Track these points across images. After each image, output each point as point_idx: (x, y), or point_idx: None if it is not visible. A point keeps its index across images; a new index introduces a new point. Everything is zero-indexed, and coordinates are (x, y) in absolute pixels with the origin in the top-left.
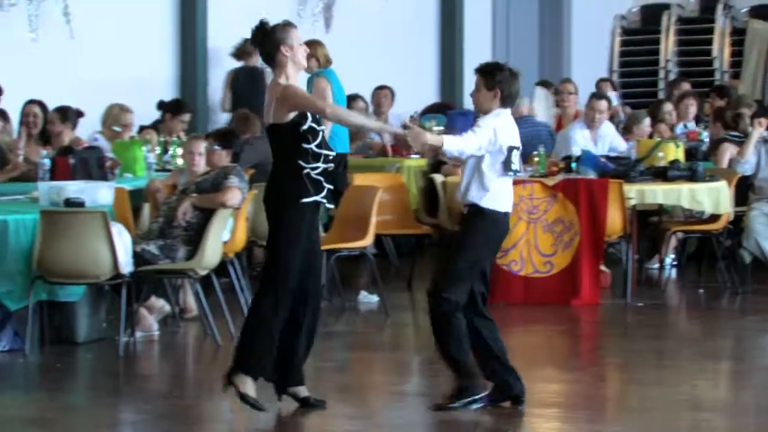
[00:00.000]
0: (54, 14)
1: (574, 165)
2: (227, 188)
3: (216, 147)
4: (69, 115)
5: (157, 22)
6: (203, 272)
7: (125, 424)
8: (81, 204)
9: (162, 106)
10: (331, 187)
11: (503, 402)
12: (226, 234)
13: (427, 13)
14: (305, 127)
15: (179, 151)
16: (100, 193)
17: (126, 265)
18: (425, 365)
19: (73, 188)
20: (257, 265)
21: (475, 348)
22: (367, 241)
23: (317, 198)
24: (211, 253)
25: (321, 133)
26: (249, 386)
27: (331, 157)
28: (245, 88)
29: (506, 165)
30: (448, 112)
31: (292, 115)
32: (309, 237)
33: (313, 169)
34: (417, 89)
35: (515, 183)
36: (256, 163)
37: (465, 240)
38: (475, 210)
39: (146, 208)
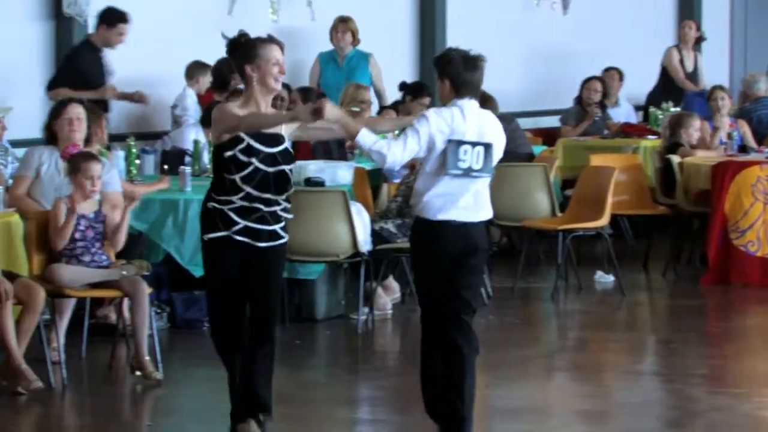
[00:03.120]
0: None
1: None
2: None
3: None
4: (311, 95)
5: (394, 9)
6: None
7: (362, 401)
8: (321, 183)
9: (404, 87)
10: (255, 225)
11: None
12: None
13: None
14: (229, 153)
15: None
16: (339, 173)
17: (365, 244)
18: (661, 345)
19: (314, 168)
20: (494, 245)
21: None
22: (604, 221)
23: (228, 233)
24: None
25: (251, 167)
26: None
27: (271, 200)
28: None
29: (448, 163)
30: (686, 93)
31: (225, 137)
32: (244, 275)
33: (224, 203)
34: (653, 70)
35: (750, 164)
36: None
37: (412, 256)
38: (415, 219)
39: (385, 188)
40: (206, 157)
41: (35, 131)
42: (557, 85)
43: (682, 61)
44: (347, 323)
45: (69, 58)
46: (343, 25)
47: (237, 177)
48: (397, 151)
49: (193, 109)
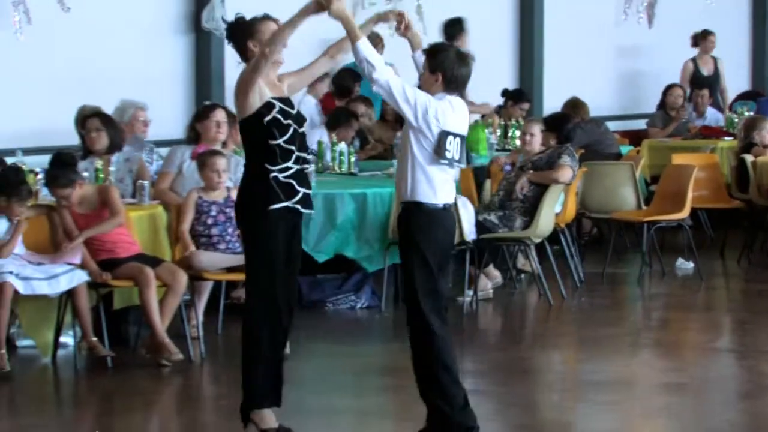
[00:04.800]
0: (408, 11)
1: None
2: (560, 166)
3: (547, 130)
4: None
5: (496, 23)
6: (537, 240)
7: (466, 374)
8: None
9: (506, 93)
10: (308, 191)
11: None
12: (558, 206)
13: (740, 6)
14: (269, 117)
15: (517, 133)
16: None
17: (470, 233)
18: (736, 324)
19: None
20: (585, 234)
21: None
22: (684, 213)
23: (288, 204)
24: (545, 223)
25: (291, 129)
26: (267, 419)
27: (307, 159)
28: None
29: (438, 151)
30: (758, 98)
31: (255, 105)
32: (289, 247)
33: (282, 171)
34: (730, 78)
35: None
36: (585, 143)
37: (409, 241)
38: (412, 206)
39: (488, 183)
40: (328, 156)
41: (176, 133)
42: (643, 92)
43: (697, 69)
44: (453, 304)
45: None
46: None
47: (281, 140)
48: (389, 74)
49: (310, 115)
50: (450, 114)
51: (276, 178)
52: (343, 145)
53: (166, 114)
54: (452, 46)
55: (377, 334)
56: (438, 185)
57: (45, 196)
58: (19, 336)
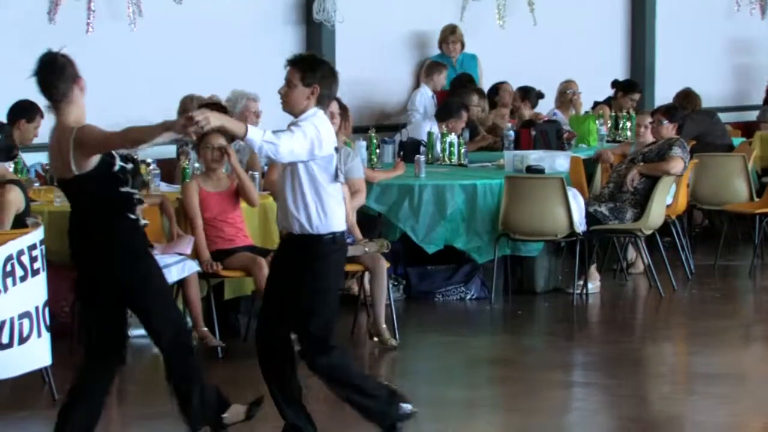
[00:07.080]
0: (520, 4)
1: None
2: (671, 158)
3: (664, 121)
4: (530, 94)
5: (608, 13)
6: (648, 232)
7: (576, 365)
8: (541, 171)
9: (616, 84)
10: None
11: None
12: (669, 198)
13: None
14: (117, 166)
15: (628, 124)
16: (558, 161)
17: (580, 225)
18: None
19: (534, 157)
20: (696, 227)
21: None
22: None
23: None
24: (656, 215)
25: (129, 171)
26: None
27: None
28: None
29: (336, 172)
30: None
31: (95, 158)
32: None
33: (136, 216)
34: None
35: None
36: (696, 135)
37: (318, 278)
38: (316, 239)
39: (598, 174)
40: (438, 147)
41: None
42: (756, 83)
43: None
44: (563, 296)
45: None
46: (453, 36)
47: (129, 186)
48: (287, 143)
49: (422, 105)
50: (331, 130)
51: (138, 222)
52: (453, 136)
53: (278, 105)
54: (323, 59)
55: (486, 325)
56: (338, 210)
57: (157, 186)
58: (130, 326)
